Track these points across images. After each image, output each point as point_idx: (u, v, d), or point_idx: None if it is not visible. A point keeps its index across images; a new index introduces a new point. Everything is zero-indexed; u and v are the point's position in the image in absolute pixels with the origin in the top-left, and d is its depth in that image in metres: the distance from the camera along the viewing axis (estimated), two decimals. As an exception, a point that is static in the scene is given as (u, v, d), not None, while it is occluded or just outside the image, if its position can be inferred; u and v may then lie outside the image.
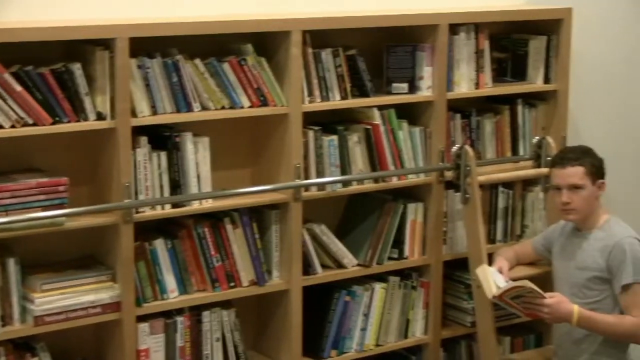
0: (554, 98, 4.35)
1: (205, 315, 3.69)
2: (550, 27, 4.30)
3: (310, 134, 3.78)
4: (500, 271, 3.86)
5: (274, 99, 3.69)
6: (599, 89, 4.73)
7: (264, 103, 3.68)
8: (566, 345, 3.80)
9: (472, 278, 3.96)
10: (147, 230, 3.60)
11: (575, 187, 3.67)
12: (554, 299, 3.61)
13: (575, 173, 3.67)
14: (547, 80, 4.32)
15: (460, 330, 4.25)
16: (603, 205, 3.78)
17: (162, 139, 3.55)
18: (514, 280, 3.77)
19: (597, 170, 3.71)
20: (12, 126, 3.27)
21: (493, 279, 3.78)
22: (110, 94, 3.38)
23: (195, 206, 3.61)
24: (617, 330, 3.60)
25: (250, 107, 3.66)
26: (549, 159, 4.03)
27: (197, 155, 3.60)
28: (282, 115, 3.71)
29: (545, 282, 3.94)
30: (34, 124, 3.29)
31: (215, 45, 3.65)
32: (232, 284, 3.71)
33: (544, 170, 4.12)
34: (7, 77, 3.24)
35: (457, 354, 4.35)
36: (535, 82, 4.33)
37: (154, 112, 3.49)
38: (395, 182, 4.00)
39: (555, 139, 4.26)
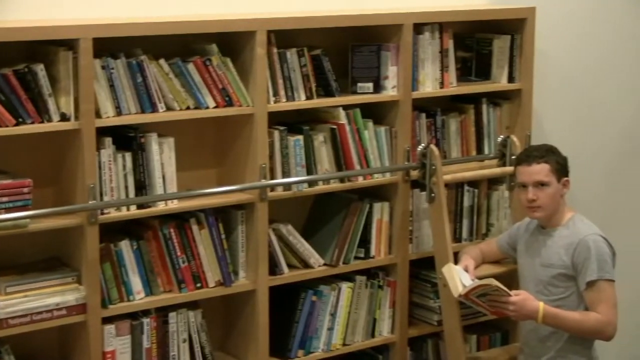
0: (518, 97, 4.38)
1: (172, 316, 3.68)
2: (514, 27, 4.33)
3: (276, 134, 3.78)
4: (466, 270, 3.89)
5: (239, 99, 3.68)
6: (563, 87, 4.77)
7: (229, 103, 3.67)
8: (532, 342, 3.82)
9: (439, 277, 3.98)
10: (112, 232, 3.59)
11: (541, 184, 3.70)
12: (519, 297, 3.63)
13: (541, 170, 3.70)
14: (511, 79, 4.35)
15: (427, 329, 4.27)
16: (567, 203, 3.81)
17: (127, 139, 3.54)
18: (480, 278, 3.79)
19: (561, 168, 3.75)
20: (-25, 127, 3.25)
21: (459, 277, 3.80)
22: (74, 95, 3.36)
23: (161, 207, 3.60)
24: (582, 326, 3.63)
25: (215, 107, 3.65)
26: (513, 157, 4.05)
27: (162, 156, 3.59)
28: (248, 116, 3.71)
29: (511, 280, 3.97)
30: (-3, 125, 3.27)
31: (180, 46, 3.65)
32: (198, 285, 3.71)
33: (508, 168, 4.15)
34: (-31, 78, 3.22)
35: (424, 352, 4.37)
36: (500, 82, 4.35)
37: (119, 113, 3.47)
38: (361, 181, 4.01)
39: (519, 137, 4.29)
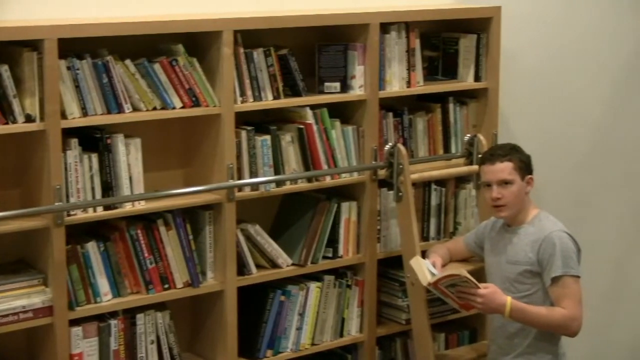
0: (484, 96, 4.40)
1: (140, 317, 3.67)
2: (480, 26, 4.35)
3: (243, 134, 3.78)
4: (434, 266, 3.90)
5: (206, 99, 3.68)
6: (529, 86, 4.80)
7: (196, 103, 3.67)
8: (500, 340, 3.85)
9: (407, 275, 3.99)
10: (79, 233, 3.58)
11: (505, 183, 3.72)
12: (488, 290, 3.65)
13: (504, 168, 3.73)
14: (477, 78, 4.37)
15: (395, 328, 4.28)
16: (532, 200, 3.83)
17: (93, 140, 3.53)
18: None
19: (525, 166, 3.77)
20: (-61, 129, 3.22)
21: (427, 268, 3.81)
22: (39, 96, 3.34)
23: (128, 208, 3.59)
24: (548, 321, 3.66)
25: (182, 107, 3.65)
26: (480, 156, 4.07)
27: (128, 157, 3.58)
28: (215, 116, 3.71)
29: (479, 278, 3.95)
30: (-38, 127, 3.26)
31: (146, 46, 3.64)
32: (166, 286, 3.70)
33: (475, 167, 4.17)
34: None
35: (392, 351, 4.38)
36: (466, 80, 4.37)
37: (85, 114, 3.46)
38: (328, 181, 4.02)
39: (486, 136, 4.31)
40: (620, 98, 5.13)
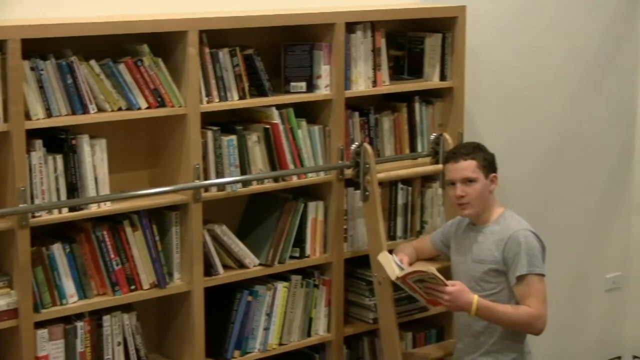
0: (450, 95, 4.42)
1: (106, 319, 3.66)
2: (445, 25, 4.36)
3: (209, 134, 3.77)
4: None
5: (172, 99, 3.67)
6: (494, 85, 4.82)
7: (162, 104, 3.66)
8: (466, 338, 3.86)
9: (374, 274, 4.00)
10: (44, 235, 3.56)
11: (468, 181, 3.74)
12: (455, 288, 3.67)
13: (468, 166, 3.75)
14: (443, 77, 4.38)
15: (363, 327, 4.29)
16: (497, 199, 3.86)
17: (58, 141, 3.51)
18: None
19: (489, 165, 3.80)
20: None
21: (395, 263, 3.82)
22: (3, 97, 3.32)
23: (94, 209, 3.57)
24: (514, 319, 3.68)
25: (147, 108, 3.64)
26: (444, 155, 4.08)
27: (94, 158, 3.56)
28: (180, 116, 3.70)
29: (445, 277, 3.97)
30: None
31: (110, 46, 3.62)
32: (132, 287, 3.69)
33: (442, 166, 4.17)
34: None
35: (360, 350, 4.38)
36: (432, 80, 4.38)
37: (49, 115, 3.44)
38: (295, 181, 4.02)
39: (452, 135, 4.33)
40: (583, 95, 5.17)
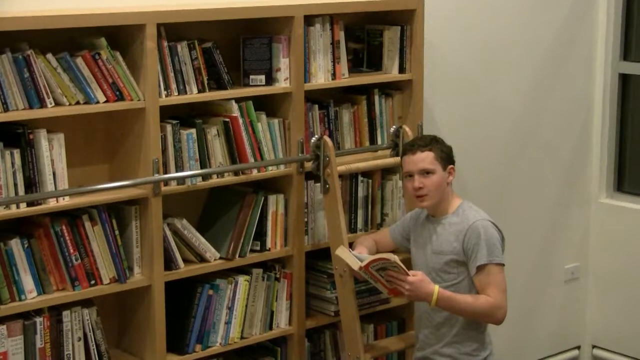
0: (409, 87, 4.42)
1: (66, 315, 3.63)
2: (403, 18, 4.37)
3: (168, 128, 3.76)
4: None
5: (130, 93, 3.65)
6: (453, 78, 4.83)
7: (120, 98, 3.64)
8: (427, 330, 3.88)
9: (335, 267, 4.00)
10: (1, 231, 3.52)
11: (426, 172, 3.76)
12: (416, 278, 3.68)
13: (425, 158, 3.76)
14: (402, 70, 4.39)
15: (324, 320, 4.29)
16: (457, 191, 3.87)
17: (15, 136, 3.47)
18: None
19: (446, 156, 3.81)
20: None
21: (354, 255, 3.83)
22: (-41, 91, 3.29)
23: (52, 204, 3.54)
24: (474, 309, 3.70)
25: (105, 102, 3.61)
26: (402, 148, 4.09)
27: (52, 152, 3.53)
28: (139, 110, 3.68)
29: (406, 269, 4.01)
30: None
31: (67, 39, 3.60)
32: (92, 282, 3.66)
33: (401, 158, 4.19)
34: None
35: (321, 343, 4.38)
36: (391, 72, 4.39)
37: (5, 109, 3.40)
38: (255, 174, 4.01)
39: (411, 127, 4.34)
40: (541, 89, 5.20)
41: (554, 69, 5.24)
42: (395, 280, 3.70)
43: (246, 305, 4.05)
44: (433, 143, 3.80)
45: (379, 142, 4.40)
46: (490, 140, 5.05)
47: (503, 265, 3.73)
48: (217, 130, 3.90)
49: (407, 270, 3.67)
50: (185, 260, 3.89)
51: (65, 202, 3.57)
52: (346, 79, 4.24)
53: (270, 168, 4.06)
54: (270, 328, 4.16)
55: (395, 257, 3.66)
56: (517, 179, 5.21)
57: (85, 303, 3.69)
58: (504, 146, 5.12)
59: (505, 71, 5.04)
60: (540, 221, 5.34)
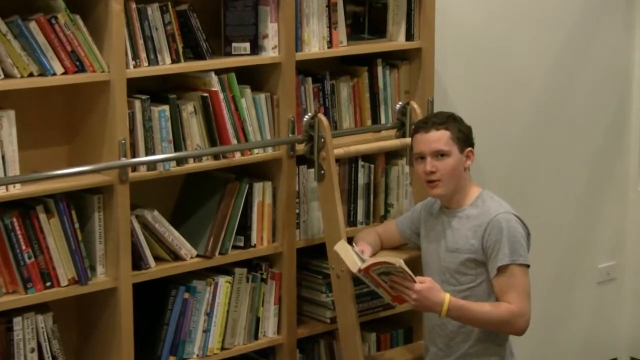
0: (417, 58, 4.43)
1: (17, 321, 3.64)
2: (411, -24, 4.38)
3: (137, 104, 3.76)
4: (362, 254, 3.90)
5: (92, 63, 3.65)
6: (468, 47, 4.84)
7: (81, 69, 3.64)
8: (438, 340, 3.89)
9: (331, 266, 4.01)
10: (-58, 224, 3.53)
11: (440, 155, 3.75)
12: (424, 285, 3.67)
13: (440, 137, 3.76)
14: (409, 37, 4.39)
15: (319, 328, 4.30)
16: (474, 179, 3.86)
17: (-42, 113, 3.48)
18: None
19: (464, 137, 3.81)
20: None
21: (355, 253, 3.83)
22: None
23: (1, 193, 3.54)
24: (492, 318, 3.70)
25: (63, 73, 3.61)
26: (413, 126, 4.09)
27: (1, 132, 3.53)
28: (103, 83, 3.68)
29: (414, 268, 3.99)
30: None
31: (19, 2, 3.59)
32: (48, 284, 3.67)
33: (408, 140, 4.18)
34: None
35: (315, 354, 4.40)
36: (397, 40, 4.40)
37: (-53, 82, 3.41)
38: (238, 158, 4.01)
39: (420, 104, 4.34)
40: (570, 59, 5.20)
41: (586, 35, 5.24)
42: (400, 287, 3.70)
43: (228, 311, 4.06)
44: (450, 121, 3.80)
45: (383, 121, 4.41)
46: (510, 119, 5.06)
47: (528, 266, 3.73)
48: (194, 107, 3.90)
49: (413, 277, 3.67)
50: (157, 259, 3.90)
51: (17, 190, 3.57)
52: (344, 48, 4.24)
53: (255, 151, 4.06)
54: (256, 337, 4.17)
55: (401, 262, 3.65)
56: (543, 164, 5.22)
57: (40, 308, 3.69)
58: (528, 125, 5.13)
59: (529, 38, 5.05)
60: (569, 214, 5.36)
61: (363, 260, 3.79)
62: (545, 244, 5.05)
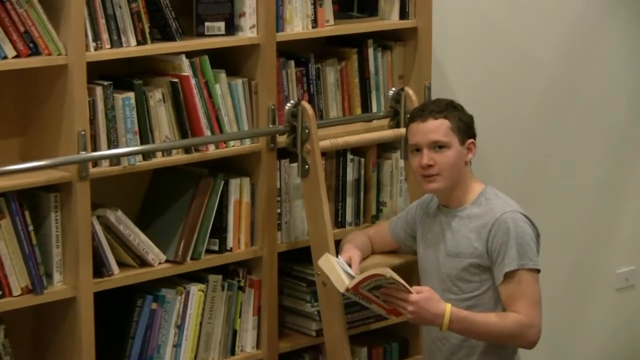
0: (413, 38, 4.43)
1: (-36, 336, 3.64)
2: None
3: (98, 90, 3.76)
4: (349, 263, 3.91)
5: (48, 45, 3.65)
6: (469, 25, 4.86)
7: (35, 52, 3.64)
8: (438, 355, 3.90)
9: (317, 272, 4.01)
10: None
11: (438, 146, 3.76)
12: (421, 295, 3.68)
13: (438, 127, 3.76)
14: (403, 15, 4.40)
15: (303, 341, 4.31)
16: (475, 173, 3.87)
17: None
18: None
19: (465, 127, 3.81)
20: None
21: (341, 268, 3.82)
22: None
23: (-55, 191, 3.55)
24: (499, 330, 3.70)
25: (15, 57, 3.61)
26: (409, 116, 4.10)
27: (-55, 123, 3.54)
28: (60, 67, 3.67)
29: (411, 276, 4.02)
30: None
31: (-34, -23, 3.60)
32: (-1, 293, 3.67)
33: (403, 130, 4.18)
34: None
35: (299, 371, 4.41)
36: (389, 18, 4.41)
37: None
38: (212, 151, 4.02)
39: (416, 90, 4.35)
40: (583, 38, 5.20)
41: (602, 9, 5.24)
42: (394, 300, 3.71)
43: (201, 323, 4.06)
44: (450, 109, 3.80)
45: (374, 109, 4.42)
46: (517, 108, 5.07)
47: (538, 271, 3.74)
48: (163, 94, 3.90)
49: (408, 287, 3.67)
50: (121, 264, 3.90)
51: (-37, 188, 3.57)
52: (331, 27, 4.25)
53: (232, 143, 4.06)
54: (233, 352, 4.17)
55: (391, 272, 3.65)
56: (553, 159, 5.24)
57: (-9, 320, 3.69)
58: (536, 116, 5.14)
59: (539, 15, 5.07)
60: (584, 213, 5.37)
61: (351, 277, 3.79)
62: (556, 247, 5.05)
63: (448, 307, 3.68)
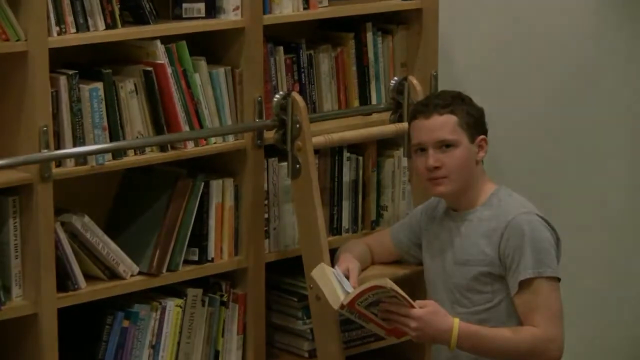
0: (417, 21, 4.44)
1: None
2: None
3: (62, 80, 3.76)
4: (347, 275, 3.91)
5: (6, 30, 3.64)
6: (481, 7, 4.85)
7: (-9, 37, 3.64)
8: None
9: (309, 285, 4.01)
10: None
11: (445, 145, 3.76)
12: (426, 310, 3.68)
13: (444, 124, 3.77)
14: (407, -6, 4.42)
15: (294, 363, 4.32)
16: (487, 173, 3.86)
17: None
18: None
19: (475, 123, 3.82)
20: None
21: (337, 282, 3.82)
22: None
23: None
24: (515, 347, 3.71)
25: (-31, 43, 3.61)
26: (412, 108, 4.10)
27: None
28: (19, 55, 3.67)
29: (415, 287, 4.03)
30: None
31: None
32: (-50, 310, 3.66)
33: (406, 125, 4.17)
34: None
35: (290, 396, 4.40)
36: (391, -1, 4.42)
37: None
38: (191, 149, 4.02)
39: (421, 79, 4.36)
40: (602, 21, 5.21)
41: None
42: (394, 317, 3.69)
43: (179, 343, 4.06)
44: (456, 102, 3.81)
45: (374, 101, 4.43)
46: (534, 99, 5.09)
47: (558, 279, 3.74)
48: (135, 85, 3.90)
49: (410, 300, 3.67)
50: (89, 277, 3.89)
51: None
52: (324, 9, 4.26)
53: (213, 140, 4.06)
54: (215, 376, 4.17)
55: (390, 283, 3.65)
56: (575, 156, 5.24)
57: (-59, 340, 3.69)
58: (555, 108, 5.16)
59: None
60: (609, 213, 5.38)
61: (346, 292, 3.78)
62: (578, 252, 5.03)
63: (456, 322, 3.68)
